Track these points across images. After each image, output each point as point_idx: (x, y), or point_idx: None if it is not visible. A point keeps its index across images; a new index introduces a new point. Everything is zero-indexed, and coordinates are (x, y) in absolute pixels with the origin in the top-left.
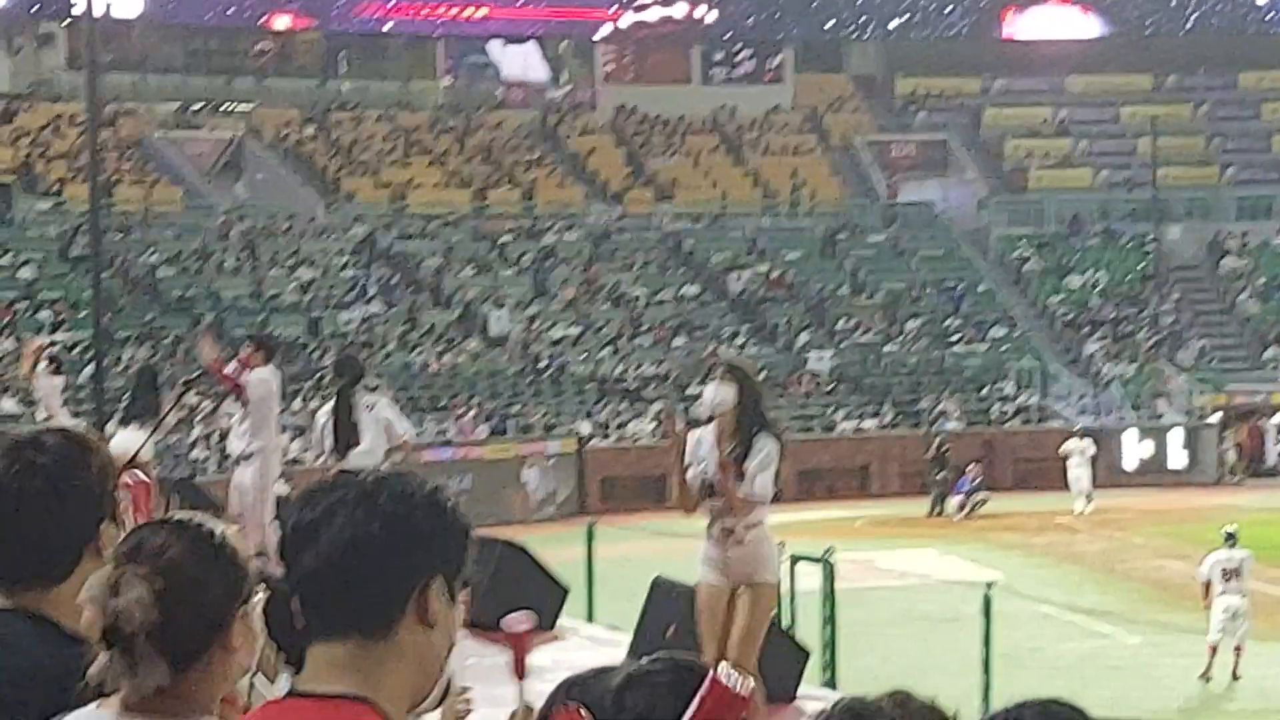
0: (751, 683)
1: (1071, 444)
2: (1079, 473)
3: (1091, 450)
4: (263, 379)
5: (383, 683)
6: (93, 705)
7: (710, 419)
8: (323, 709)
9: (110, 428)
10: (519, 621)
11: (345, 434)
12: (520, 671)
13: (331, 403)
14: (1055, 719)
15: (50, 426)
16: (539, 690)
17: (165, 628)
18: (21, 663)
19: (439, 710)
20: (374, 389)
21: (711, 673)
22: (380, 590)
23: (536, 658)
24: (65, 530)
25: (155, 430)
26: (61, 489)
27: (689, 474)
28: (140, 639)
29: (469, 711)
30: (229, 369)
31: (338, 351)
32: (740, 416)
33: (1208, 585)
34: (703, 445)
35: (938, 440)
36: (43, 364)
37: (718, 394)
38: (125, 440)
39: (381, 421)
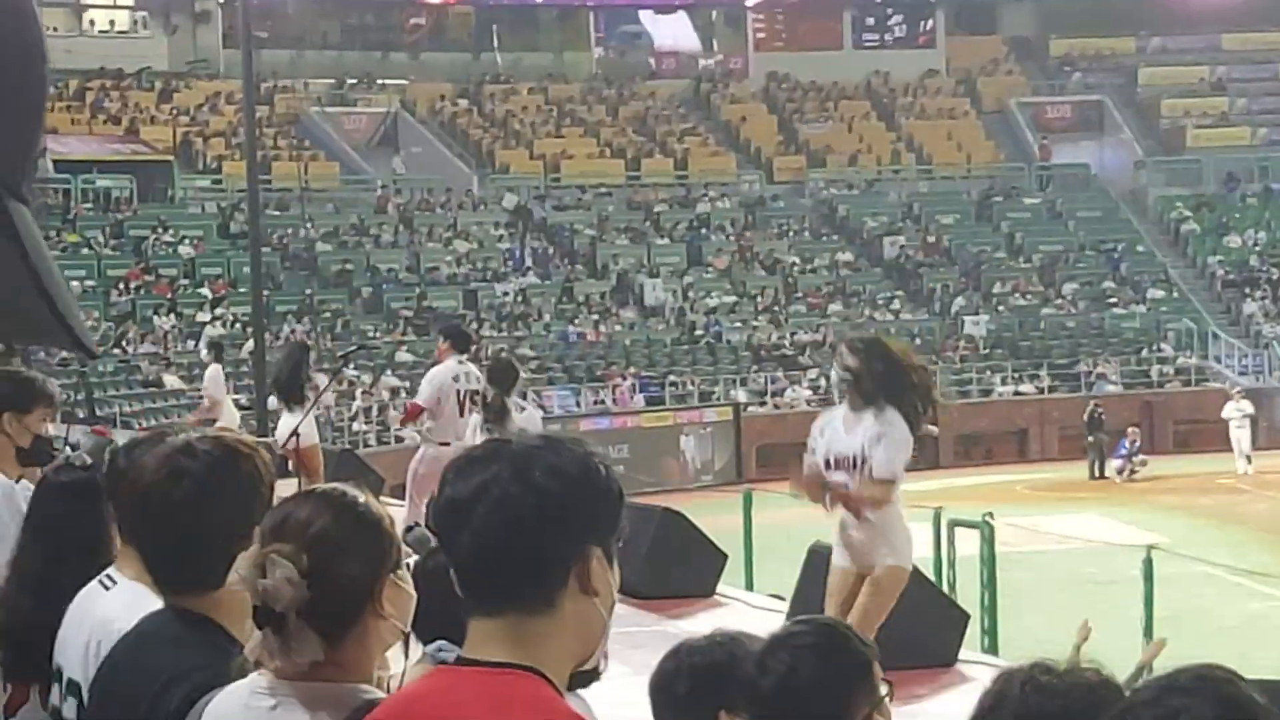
0: None
1: (1230, 406)
2: (1239, 434)
3: (1250, 410)
4: (432, 375)
5: (547, 652)
6: (251, 675)
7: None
8: (492, 677)
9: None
10: None
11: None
12: None
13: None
14: (1212, 683)
15: (207, 433)
16: None
17: (315, 603)
18: (162, 660)
19: None
20: (523, 409)
21: None
22: (540, 566)
23: (695, 624)
24: (214, 536)
25: (313, 407)
26: (209, 495)
27: (806, 461)
28: (291, 616)
29: None
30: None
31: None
32: (869, 385)
33: None
34: (832, 421)
35: (1091, 403)
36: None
37: (834, 372)
38: (288, 424)
39: (530, 424)
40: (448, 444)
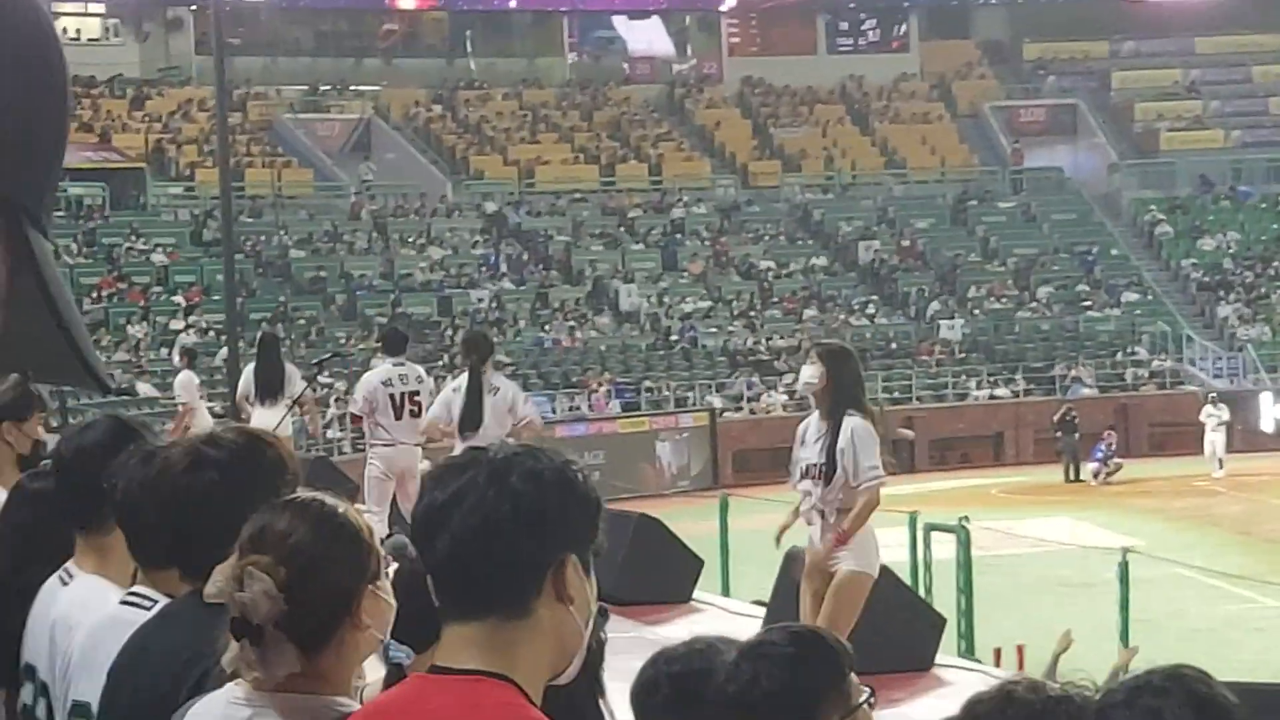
0: None
1: (1206, 410)
2: (1214, 437)
3: (1226, 416)
4: (361, 381)
5: (521, 660)
6: (229, 685)
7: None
8: (463, 685)
9: (247, 404)
10: None
11: (472, 414)
12: None
13: (463, 379)
14: (1184, 682)
15: (231, 425)
16: None
17: (293, 615)
18: (183, 639)
19: None
20: (502, 370)
21: None
22: (515, 571)
23: (672, 630)
24: (237, 523)
25: (291, 409)
26: (231, 483)
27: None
28: (268, 628)
29: None
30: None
31: (468, 328)
32: (832, 396)
33: None
34: (808, 429)
35: (1064, 407)
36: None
37: (804, 374)
38: (263, 419)
39: (505, 403)
40: (391, 446)
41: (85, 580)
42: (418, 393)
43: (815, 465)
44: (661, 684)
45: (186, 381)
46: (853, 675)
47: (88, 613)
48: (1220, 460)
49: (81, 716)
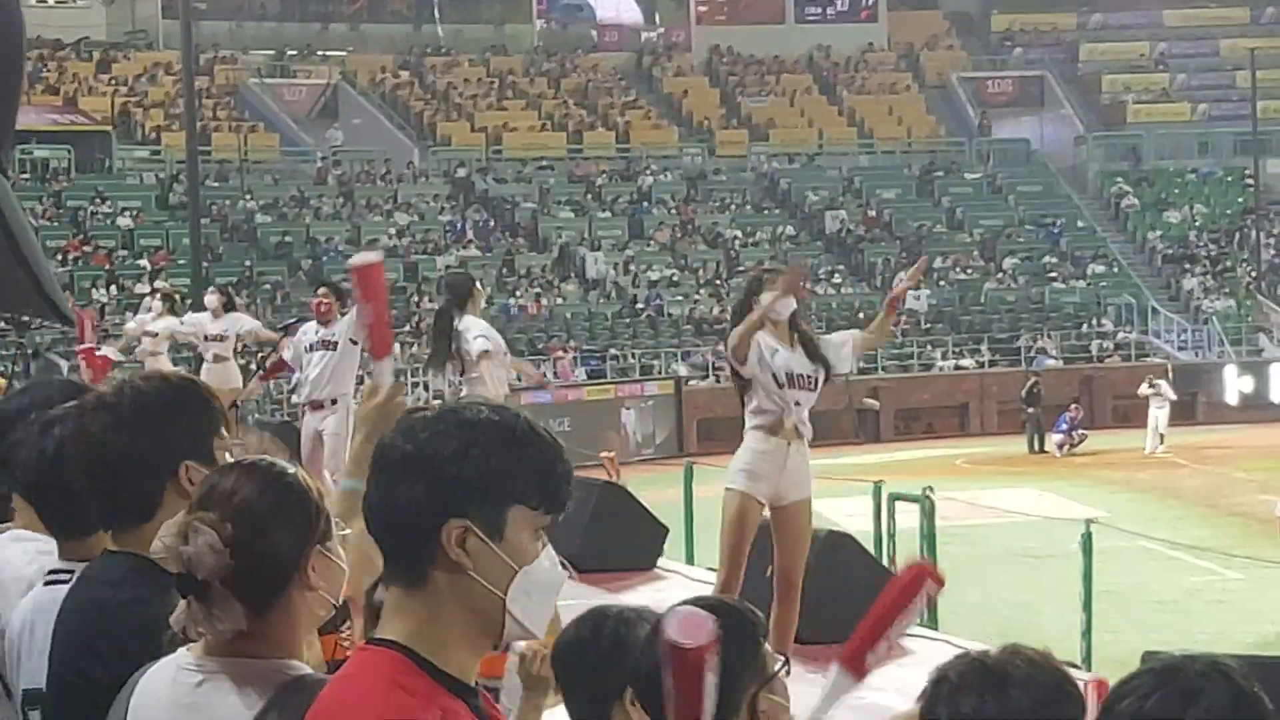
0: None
1: (1144, 389)
2: (1158, 414)
3: (1171, 395)
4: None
5: (425, 630)
6: (179, 651)
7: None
8: (359, 654)
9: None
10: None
11: (440, 352)
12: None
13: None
14: (1223, 676)
15: (146, 372)
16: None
17: (239, 572)
18: (122, 600)
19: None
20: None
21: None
22: (403, 537)
23: (636, 597)
24: (142, 471)
25: (262, 378)
26: (135, 430)
27: (761, 374)
28: (214, 585)
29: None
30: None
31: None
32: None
33: None
34: (776, 345)
35: (1029, 378)
36: (157, 303)
37: (781, 303)
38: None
39: (466, 344)
40: (319, 406)
41: (16, 533)
42: (327, 341)
43: (808, 376)
44: (588, 649)
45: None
46: (766, 645)
47: (33, 563)
48: (1161, 435)
49: (35, 703)
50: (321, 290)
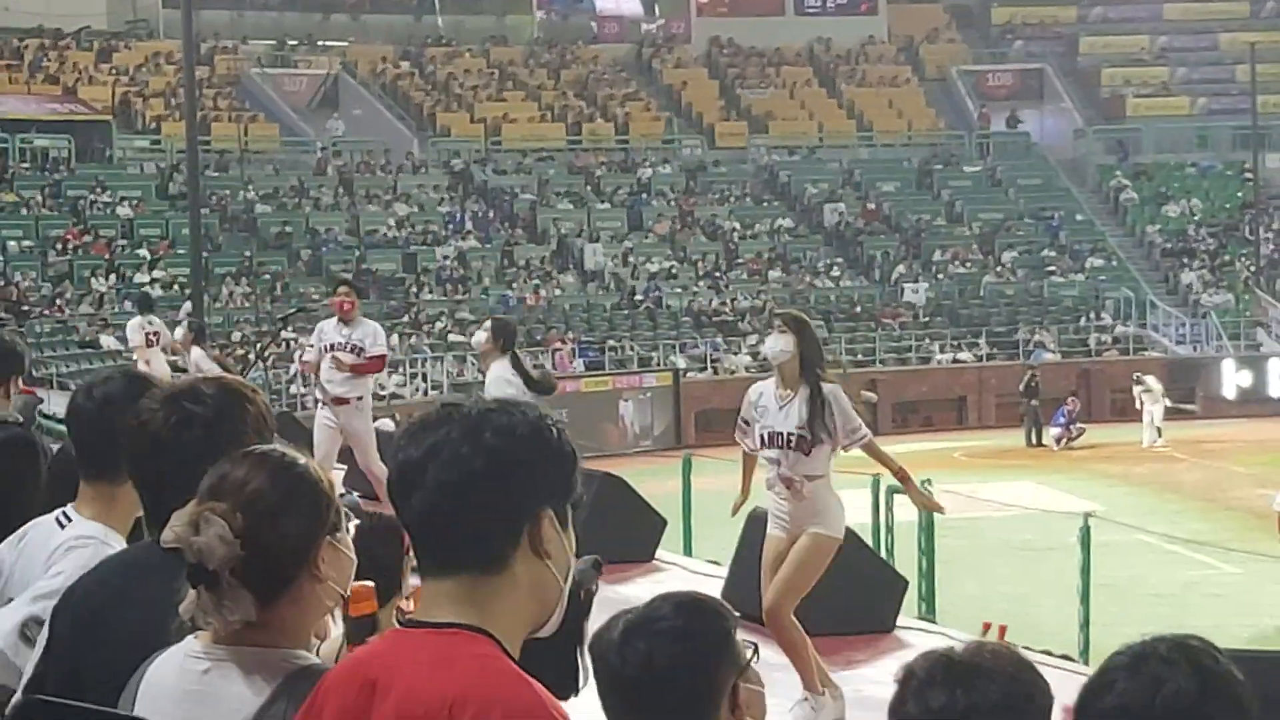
0: None
1: (1136, 389)
2: (1153, 409)
3: (1156, 388)
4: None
5: (498, 614)
6: (187, 639)
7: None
8: (438, 638)
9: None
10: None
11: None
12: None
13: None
14: (1189, 653)
15: (208, 376)
16: None
17: (249, 562)
18: (151, 590)
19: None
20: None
21: None
22: (490, 526)
23: (635, 589)
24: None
25: (255, 366)
26: (216, 438)
27: (749, 430)
28: (224, 575)
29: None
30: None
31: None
32: (802, 364)
33: None
34: (764, 396)
35: (1028, 372)
36: (180, 333)
37: (777, 344)
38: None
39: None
40: (342, 401)
41: (83, 525)
42: (340, 344)
43: (788, 435)
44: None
45: (134, 325)
46: (737, 635)
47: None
48: (1159, 430)
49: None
50: (342, 289)
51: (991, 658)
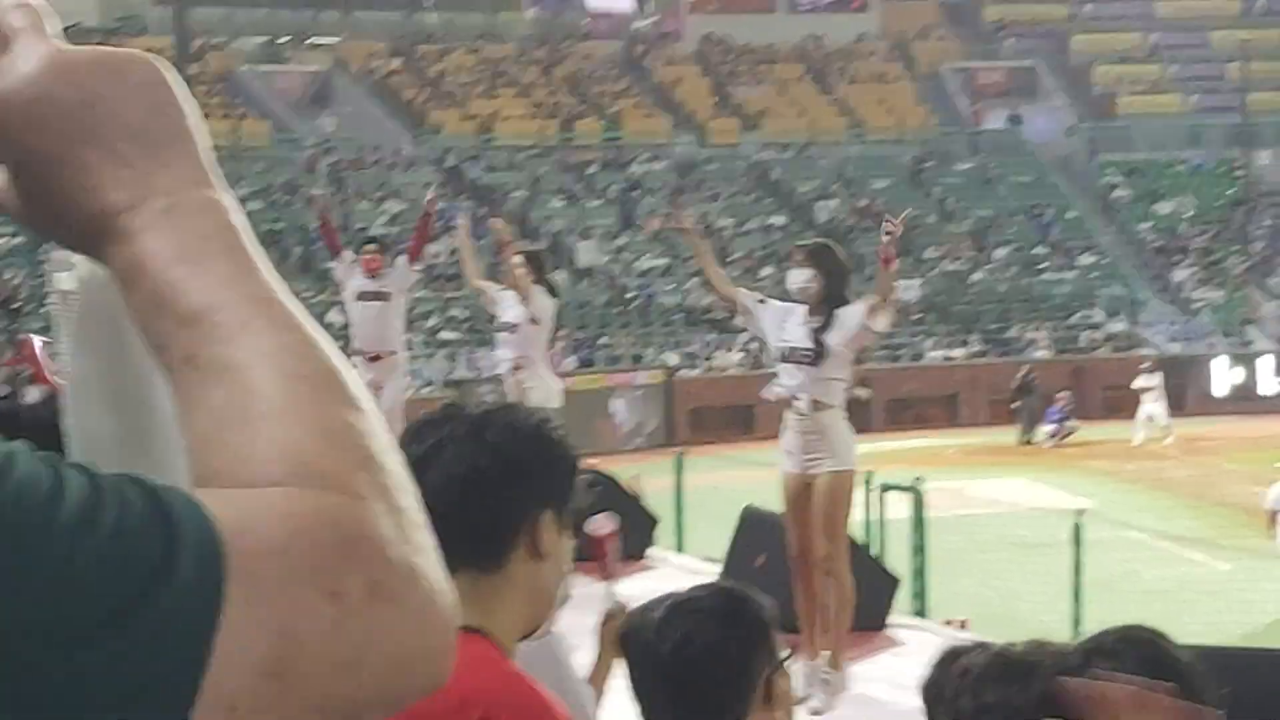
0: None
1: (1140, 380)
2: (1155, 407)
3: (1155, 382)
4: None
5: (495, 614)
6: None
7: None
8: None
9: None
10: (602, 525)
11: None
12: (608, 572)
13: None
14: (1135, 643)
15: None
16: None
17: None
18: None
19: None
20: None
21: None
22: (491, 525)
23: (627, 587)
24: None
25: None
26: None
27: (770, 341)
28: None
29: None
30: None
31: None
32: (826, 293)
33: (1274, 515)
34: (791, 314)
35: (1025, 368)
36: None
37: (798, 278)
38: None
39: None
40: (376, 358)
41: None
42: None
43: (800, 349)
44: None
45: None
46: (774, 630)
47: None
48: (1167, 427)
49: None
50: (371, 246)
51: (1051, 659)
